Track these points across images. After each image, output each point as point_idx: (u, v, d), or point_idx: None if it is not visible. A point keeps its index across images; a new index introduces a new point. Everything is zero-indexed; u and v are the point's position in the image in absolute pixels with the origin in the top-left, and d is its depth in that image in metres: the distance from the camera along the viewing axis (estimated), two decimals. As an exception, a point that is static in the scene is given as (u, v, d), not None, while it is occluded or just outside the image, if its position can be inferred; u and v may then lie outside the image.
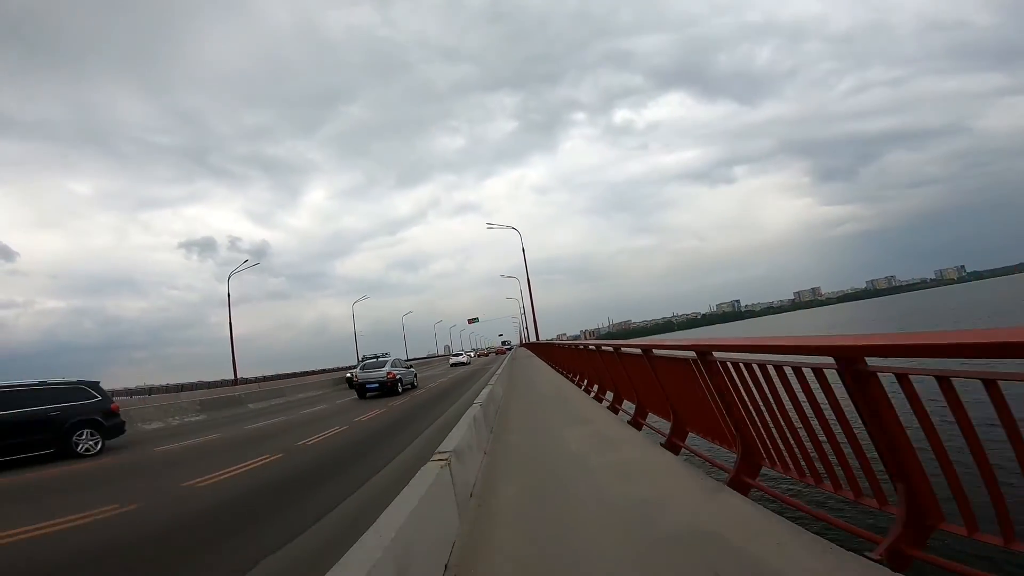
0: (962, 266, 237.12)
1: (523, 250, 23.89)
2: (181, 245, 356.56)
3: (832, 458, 3.01)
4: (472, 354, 76.63)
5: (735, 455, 4.04)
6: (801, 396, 3.09)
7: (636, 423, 6.80)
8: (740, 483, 3.89)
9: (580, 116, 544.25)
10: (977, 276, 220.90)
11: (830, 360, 2.58)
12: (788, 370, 3.14)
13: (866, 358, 2.41)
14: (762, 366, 3.40)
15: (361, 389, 20.48)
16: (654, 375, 5.55)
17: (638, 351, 5.93)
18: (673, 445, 5.34)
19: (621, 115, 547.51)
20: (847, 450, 2.92)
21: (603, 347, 8.25)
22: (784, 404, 3.28)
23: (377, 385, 20.21)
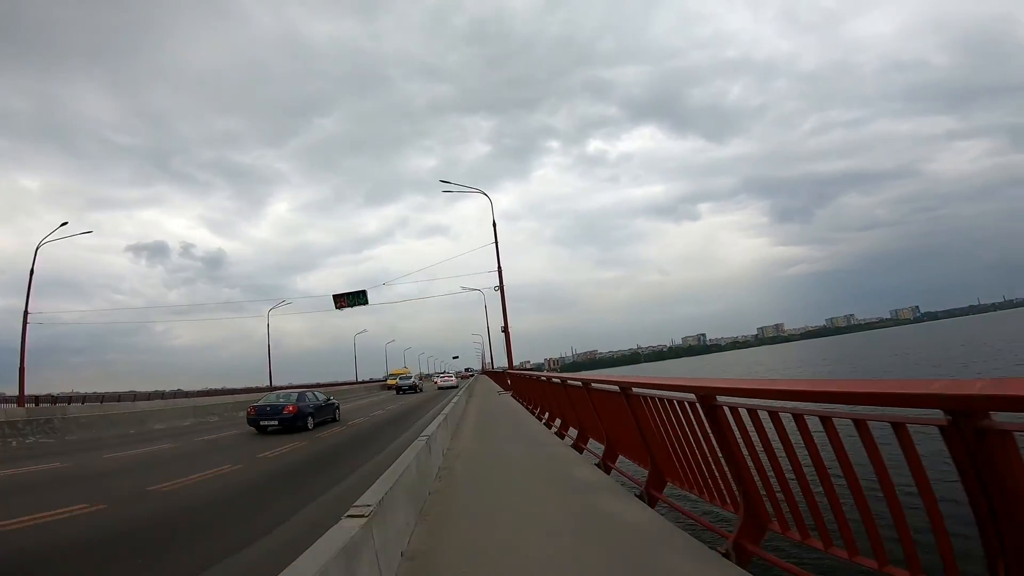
0: (916, 307, 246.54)
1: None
2: (129, 248, 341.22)
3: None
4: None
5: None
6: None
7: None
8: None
9: (554, 144, 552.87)
10: (932, 316, 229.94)
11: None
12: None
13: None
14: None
15: (398, 388, 36.50)
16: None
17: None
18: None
19: (595, 145, 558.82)
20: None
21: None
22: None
23: (408, 386, 36.72)
